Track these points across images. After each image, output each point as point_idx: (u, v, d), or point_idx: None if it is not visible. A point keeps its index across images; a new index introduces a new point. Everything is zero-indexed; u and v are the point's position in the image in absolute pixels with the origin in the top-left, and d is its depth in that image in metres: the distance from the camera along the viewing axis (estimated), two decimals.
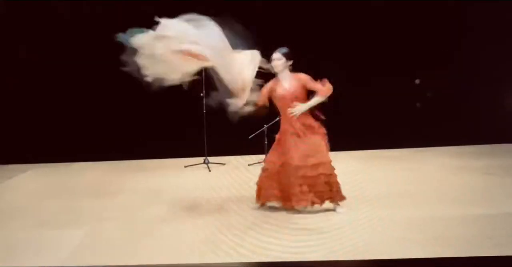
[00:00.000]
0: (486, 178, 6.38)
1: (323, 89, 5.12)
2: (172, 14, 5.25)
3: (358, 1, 8.29)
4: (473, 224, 4.66)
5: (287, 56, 5.20)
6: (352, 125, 8.17)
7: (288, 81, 5.22)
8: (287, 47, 5.26)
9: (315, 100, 5.14)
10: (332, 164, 5.16)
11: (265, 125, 7.27)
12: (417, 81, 8.37)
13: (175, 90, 8.41)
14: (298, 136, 5.17)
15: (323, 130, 5.23)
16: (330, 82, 5.15)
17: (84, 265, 4.18)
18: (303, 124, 5.19)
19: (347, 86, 8.23)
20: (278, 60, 5.20)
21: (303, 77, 5.20)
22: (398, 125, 8.33)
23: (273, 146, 5.41)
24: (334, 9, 8.25)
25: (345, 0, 8.27)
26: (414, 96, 8.46)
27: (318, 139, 5.18)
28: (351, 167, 7.01)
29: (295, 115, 5.16)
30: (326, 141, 5.22)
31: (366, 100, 8.34)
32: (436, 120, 8.36)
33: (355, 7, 8.29)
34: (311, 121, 5.22)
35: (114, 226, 5.14)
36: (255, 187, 5.50)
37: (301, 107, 5.15)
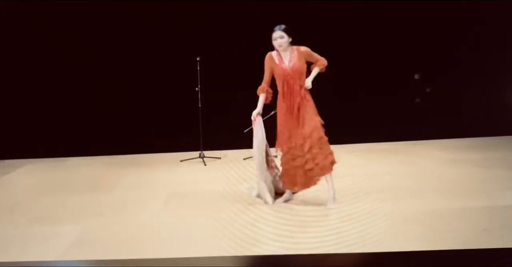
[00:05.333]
0: (481, 171, 6.40)
1: (323, 59, 5.19)
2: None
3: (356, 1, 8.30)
4: (468, 217, 4.68)
5: (289, 32, 5.14)
6: (347, 119, 8.18)
7: (288, 58, 5.19)
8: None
9: (315, 72, 5.20)
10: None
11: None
12: (416, 76, 8.38)
13: (171, 85, 8.50)
14: (298, 110, 5.16)
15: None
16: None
17: (81, 259, 4.19)
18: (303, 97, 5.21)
19: (343, 80, 8.29)
20: (281, 38, 5.12)
21: (304, 50, 5.18)
22: (393, 119, 8.35)
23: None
24: (331, 7, 8.24)
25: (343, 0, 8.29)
26: (409, 89, 8.49)
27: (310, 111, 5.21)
28: (347, 161, 7.02)
29: (308, 87, 5.16)
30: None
31: (361, 94, 8.36)
32: (431, 114, 8.39)
33: (352, 5, 8.28)
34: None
35: (110, 221, 5.14)
36: (250, 180, 5.53)
37: (309, 82, 5.16)
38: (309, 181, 5.19)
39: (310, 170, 5.12)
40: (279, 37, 5.11)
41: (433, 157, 7.31)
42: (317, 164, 5.10)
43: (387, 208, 5.00)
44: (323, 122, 5.18)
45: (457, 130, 8.43)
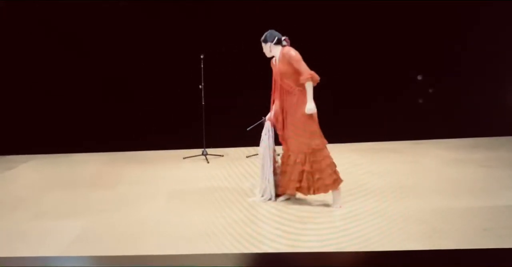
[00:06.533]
0: (483, 170, 6.40)
1: (306, 73, 5.02)
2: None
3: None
4: (470, 216, 4.69)
5: (265, 40, 5.25)
6: (349, 118, 8.19)
7: (278, 60, 5.25)
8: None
9: (307, 91, 5.03)
10: (328, 154, 5.15)
11: (263, 117, 7.28)
12: (419, 77, 8.38)
13: (174, 82, 8.52)
14: (286, 115, 5.20)
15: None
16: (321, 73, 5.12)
17: (85, 255, 4.21)
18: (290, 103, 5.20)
19: (345, 79, 8.30)
20: (263, 47, 5.31)
21: (287, 54, 5.14)
22: (395, 118, 8.35)
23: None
24: (333, 6, 8.25)
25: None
26: (412, 89, 8.48)
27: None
28: (349, 159, 7.03)
29: (310, 113, 5.06)
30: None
31: (364, 92, 8.37)
32: (433, 113, 8.39)
33: (354, 4, 8.29)
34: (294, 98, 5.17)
35: (112, 217, 5.16)
36: (251, 179, 5.51)
37: (310, 105, 5.03)
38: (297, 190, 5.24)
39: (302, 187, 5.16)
40: (263, 47, 5.32)
41: (435, 156, 7.31)
42: (308, 186, 5.12)
43: (388, 207, 5.02)
44: (314, 148, 5.04)
45: (460, 130, 8.42)
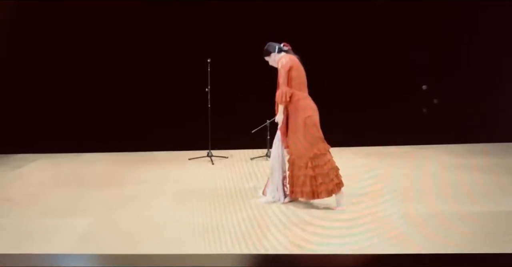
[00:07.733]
0: (486, 176, 6.40)
1: (279, 91, 5.17)
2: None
3: (362, 2, 8.33)
4: (471, 221, 4.70)
5: (268, 53, 5.37)
6: (354, 122, 8.21)
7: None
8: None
9: (280, 105, 5.19)
10: (330, 158, 5.19)
11: (267, 120, 7.33)
12: (424, 87, 8.40)
13: (182, 85, 8.57)
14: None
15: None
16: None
17: (89, 253, 4.26)
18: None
19: (351, 83, 8.33)
20: (269, 62, 5.42)
21: (278, 64, 5.24)
22: (399, 123, 8.37)
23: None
24: (338, 8, 8.28)
25: (349, 1, 8.33)
26: (417, 94, 8.50)
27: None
28: (352, 163, 7.05)
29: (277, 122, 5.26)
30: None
31: (368, 97, 8.39)
32: (437, 119, 8.39)
33: (359, 7, 8.32)
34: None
35: (120, 215, 5.22)
36: (255, 180, 5.53)
37: (278, 116, 5.23)
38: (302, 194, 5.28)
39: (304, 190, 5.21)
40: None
41: (439, 161, 7.31)
42: (312, 190, 5.17)
43: (391, 211, 5.03)
44: (316, 152, 5.10)
45: (463, 135, 8.43)
